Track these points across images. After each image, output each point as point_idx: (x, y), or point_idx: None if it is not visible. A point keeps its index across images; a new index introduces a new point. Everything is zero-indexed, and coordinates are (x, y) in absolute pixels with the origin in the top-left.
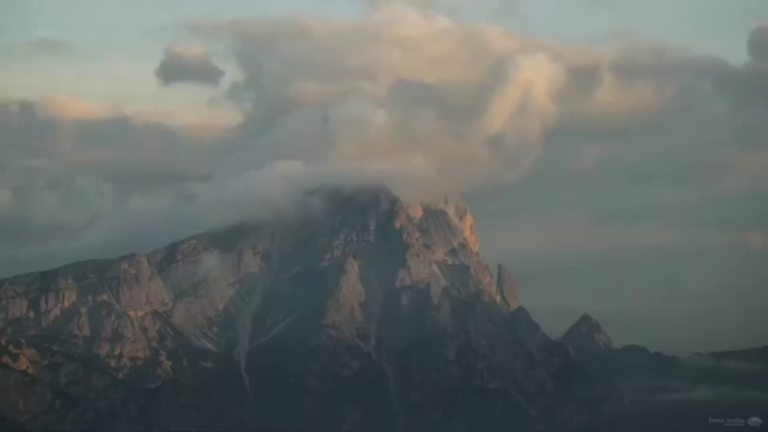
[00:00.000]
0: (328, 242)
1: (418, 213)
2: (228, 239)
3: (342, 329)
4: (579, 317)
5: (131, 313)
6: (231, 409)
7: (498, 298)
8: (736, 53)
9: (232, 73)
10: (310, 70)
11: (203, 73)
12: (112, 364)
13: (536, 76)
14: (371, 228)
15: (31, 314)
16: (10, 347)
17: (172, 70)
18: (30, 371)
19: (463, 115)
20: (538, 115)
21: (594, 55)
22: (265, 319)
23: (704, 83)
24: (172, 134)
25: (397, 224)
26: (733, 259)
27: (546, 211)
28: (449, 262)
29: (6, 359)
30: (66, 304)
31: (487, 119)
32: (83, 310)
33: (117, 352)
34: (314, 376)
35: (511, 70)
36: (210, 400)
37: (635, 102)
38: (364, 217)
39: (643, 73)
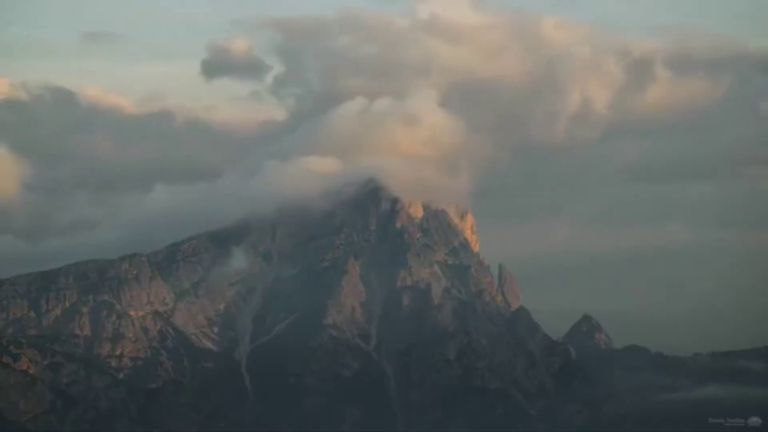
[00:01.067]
0: (329, 242)
1: (418, 213)
2: (229, 239)
3: (343, 329)
4: (580, 317)
5: (132, 313)
6: (231, 409)
7: (499, 298)
8: None
9: (277, 68)
10: (356, 65)
11: (247, 67)
12: (113, 364)
13: (589, 68)
14: (372, 228)
15: (32, 314)
16: (11, 347)
17: (216, 65)
18: (31, 371)
19: (513, 111)
20: (590, 112)
21: (648, 48)
22: (266, 319)
23: (760, 78)
24: (211, 129)
25: (398, 224)
26: (735, 259)
27: (563, 210)
28: (450, 262)
29: (7, 359)
30: (67, 304)
31: (539, 115)
32: (84, 310)
33: (118, 352)
34: (315, 376)
35: (565, 62)
36: (210, 400)
37: (688, 97)
38: (365, 217)
39: (698, 67)
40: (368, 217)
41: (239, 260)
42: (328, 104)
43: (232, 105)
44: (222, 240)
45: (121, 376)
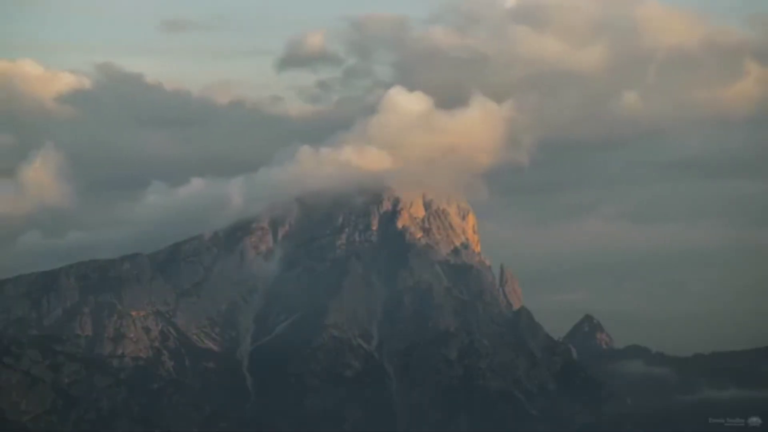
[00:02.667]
0: (331, 242)
1: (420, 213)
2: (231, 239)
3: (344, 329)
4: (581, 317)
5: (133, 313)
6: (233, 409)
7: (500, 298)
8: None
9: (349, 61)
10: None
11: (320, 59)
12: (115, 364)
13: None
14: (373, 228)
15: (33, 314)
16: (12, 347)
17: (290, 57)
18: (32, 371)
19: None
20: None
21: (736, 38)
22: (267, 319)
23: None
24: (277, 120)
25: (400, 224)
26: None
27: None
28: (451, 262)
29: (8, 359)
30: (68, 304)
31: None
32: (85, 310)
33: (119, 352)
34: (316, 376)
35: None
36: (212, 400)
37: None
38: (366, 217)
39: None
40: (369, 217)
41: (241, 260)
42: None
43: (300, 97)
44: (224, 240)
45: (122, 376)
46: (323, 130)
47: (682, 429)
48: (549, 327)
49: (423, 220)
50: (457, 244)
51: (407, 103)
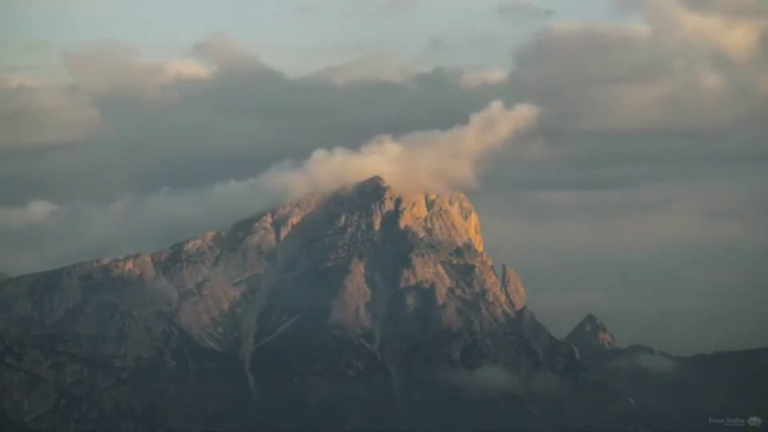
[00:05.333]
0: (333, 242)
1: (422, 213)
2: (233, 239)
3: (346, 329)
4: (583, 317)
5: (136, 313)
6: (235, 409)
7: (503, 298)
8: None
9: None
10: None
11: None
12: (117, 364)
13: None
14: (376, 228)
15: (36, 314)
16: (14, 347)
17: None
18: (34, 371)
19: None
20: None
21: None
22: (270, 319)
23: None
24: None
25: (402, 224)
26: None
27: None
28: (454, 261)
29: (10, 359)
30: (70, 304)
31: None
32: (88, 310)
33: (121, 352)
34: (319, 376)
35: None
36: (214, 400)
37: None
38: (368, 217)
39: None
40: (372, 217)
41: (243, 260)
42: None
43: None
44: (226, 240)
45: (124, 376)
46: None
47: (682, 429)
48: (551, 327)
49: (425, 220)
50: (460, 243)
51: None
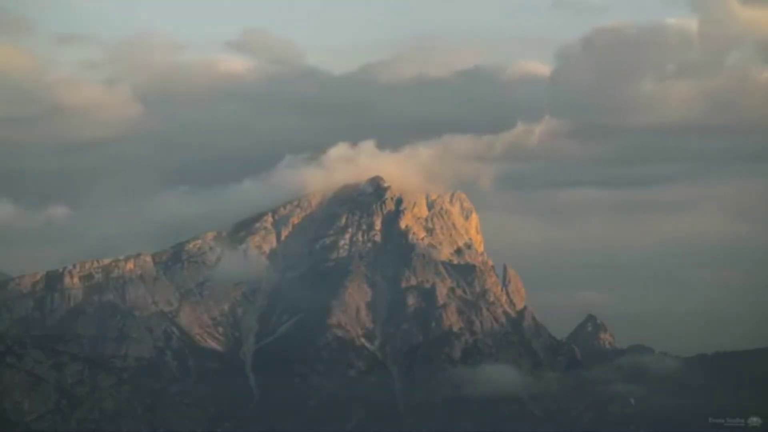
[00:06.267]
0: (334, 242)
1: (423, 213)
2: (234, 239)
3: (347, 329)
4: (584, 317)
5: (137, 312)
6: (236, 409)
7: (503, 298)
8: None
9: None
10: None
11: None
12: (118, 364)
13: None
14: (377, 228)
15: (37, 314)
16: (15, 347)
17: None
18: (35, 371)
19: None
20: None
21: None
22: (271, 319)
23: None
24: None
25: (403, 224)
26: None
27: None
28: (455, 261)
29: (11, 359)
30: (71, 303)
31: None
32: (89, 310)
33: (122, 352)
34: (320, 376)
35: None
36: (215, 400)
37: None
38: (369, 217)
39: None
40: (373, 217)
41: (244, 260)
42: None
43: None
44: (227, 240)
45: (125, 375)
46: None
47: (682, 429)
48: (552, 327)
49: (426, 220)
50: (460, 244)
51: None
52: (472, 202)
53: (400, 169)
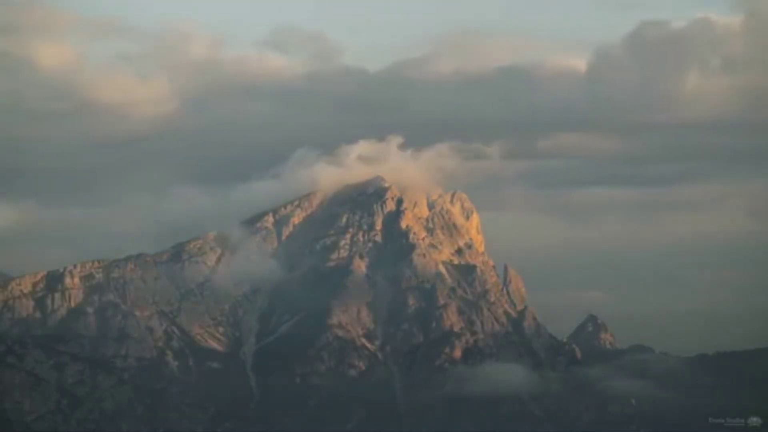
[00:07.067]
0: (335, 242)
1: (424, 213)
2: (235, 239)
3: (348, 329)
4: (585, 317)
5: (137, 312)
6: (237, 409)
7: (504, 298)
8: None
9: None
10: None
11: None
12: (118, 364)
13: None
14: (377, 228)
15: (38, 314)
16: (16, 347)
17: None
18: (36, 371)
19: None
20: None
21: None
22: (271, 318)
23: None
24: None
25: (403, 224)
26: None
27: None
28: (455, 261)
29: (11, 359)
30: (72, 303)
31: None
32: (89, 310)
33: (123, 352)
34: (320, 376)
35: None
36: (216, 400)
37: None
38: (370, 217)
39: None
40: (374, 217)
41: (245, 260)
42: None
43: None
44: (228, 239)
45: (126, 376)
46: None
47: (682, 429)
48: (553, 327)
49: (427, 220)
50: (461, 243)
51: None
52: (495, 203)
53: (419, 169)
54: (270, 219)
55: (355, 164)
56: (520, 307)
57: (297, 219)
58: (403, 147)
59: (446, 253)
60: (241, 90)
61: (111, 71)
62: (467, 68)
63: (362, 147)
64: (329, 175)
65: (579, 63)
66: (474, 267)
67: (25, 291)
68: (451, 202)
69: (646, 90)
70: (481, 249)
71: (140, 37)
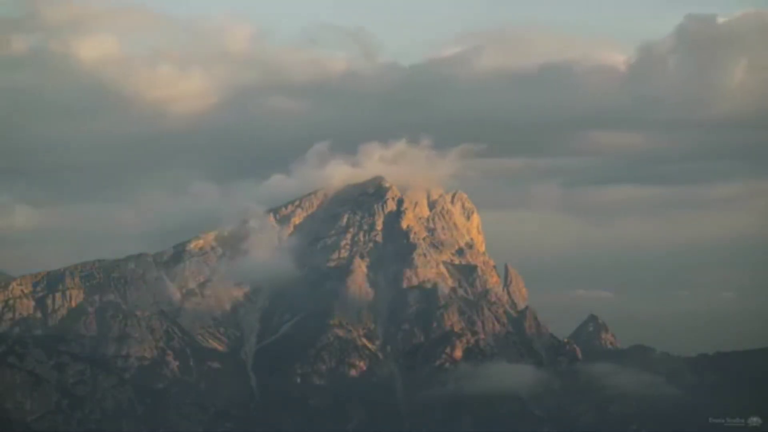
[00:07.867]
0: (335, 242)
1: (424, 213)
2: (236, 239)
3: (349, 329)
4: (586, 317)
5: (138, 312)
6: (238, 409)
7: (505, 298)
8: None
9: None
10: None
11: None
12: (119, 364)
13: None
14: (378, 228)
15: (38, 314)
16: (17, 347)
17: None
18: (37, 371)
19: None
20: None
21: None
22: (272, 318)
23: None
24: None
25: (404, 224)
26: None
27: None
28: (456, 261)
29: (12, 359)
30: (73, 303)
31: None
32: (90, 310)
33: (124, 352)
34: (321, 375)
35: None
36: (217, 399)
37: None
38: (371, 217)
39: None
40: (374, 217)
41: (245, 260)
42: None
43: None
44: (228, 240)
45: (127, 375)
46: None
47: (682, 429)
48: (554, 327)
49: (427, 220)
50: (462, 243)
51: None
52: (516, 202)
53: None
54: (271, 219)
55: (375, 164)
56: (520, 307)
57: (298, 219)
58: (430, 147)
59: (447, 253)
60: (277, 87)
61: (150, 66)
62: (508, 65)
63: (386, 148)
64: (341, 174)
65: (620, 59)
66: (474, 267)
67: (26, 291)
68: (452, 202)
69: (688, 86)
70: (482, 249)
71: (177, 30)
